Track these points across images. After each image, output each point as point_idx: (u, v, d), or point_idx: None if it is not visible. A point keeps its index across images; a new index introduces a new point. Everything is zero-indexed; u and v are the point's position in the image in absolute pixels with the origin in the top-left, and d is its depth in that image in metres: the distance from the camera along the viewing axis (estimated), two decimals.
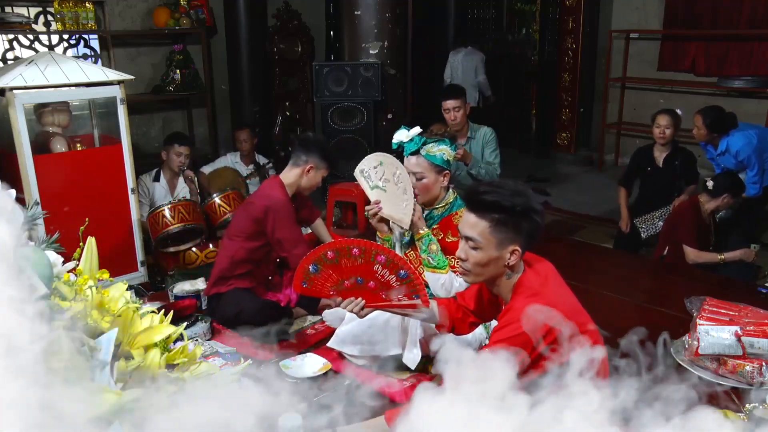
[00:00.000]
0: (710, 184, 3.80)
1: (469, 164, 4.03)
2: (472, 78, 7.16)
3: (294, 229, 2.93)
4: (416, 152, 2.55)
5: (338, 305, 2.20)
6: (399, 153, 2.67)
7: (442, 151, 2.56)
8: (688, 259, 3.80)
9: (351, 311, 2.15)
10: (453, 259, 2.53)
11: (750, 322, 2.55)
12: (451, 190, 2.64)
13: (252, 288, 2.99)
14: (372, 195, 2.66)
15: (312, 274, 2.21)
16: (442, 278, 2.53)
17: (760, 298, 3.30)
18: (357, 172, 2.67)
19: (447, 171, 2.59)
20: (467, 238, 1.72)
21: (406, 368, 2.61)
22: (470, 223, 1.71)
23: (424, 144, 2.55)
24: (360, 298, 2.13)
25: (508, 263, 1.71)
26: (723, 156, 4.39)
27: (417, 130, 2.57)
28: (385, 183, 2.61)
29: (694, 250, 3.78)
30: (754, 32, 6.12)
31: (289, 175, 3.01)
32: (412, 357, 2.39)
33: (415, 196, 2.56)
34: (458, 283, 2.49)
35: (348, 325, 2.55)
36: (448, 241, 2.59)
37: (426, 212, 2.61)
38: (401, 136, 2.58)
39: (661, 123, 4.32)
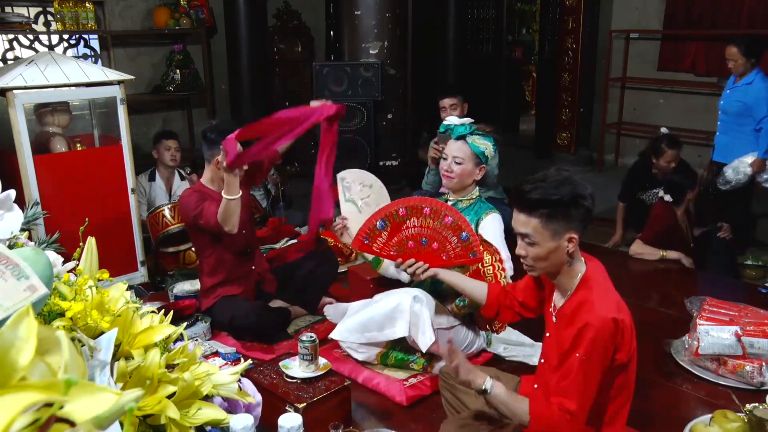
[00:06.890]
0: (667, 197, 3.90)
1: None
2: None
3: (200, 206, 2.80)
4: (463, 137, 2.61)
5: (398, 266, 2.24)
6: (443, 135, 2.73)
7: (485, 145, 2.62)
8: (630, 251, 3.98)
9: (414, 273, 2.21)
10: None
11: (750, 322, 2.55)
12: (477, 188, 2.69)
13: (239, 294, 2.99)
14: (344, 206, 2.70)
15: (378, 230, 2.22)
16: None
17: (760, 298, 3.30)
18: (339, 178, 2.72)
19: (483, 166, 2.64)
20: (522, 236, 1.76)
21: (408, 368, 2.62)
22: (521, 222, 1.75)
23: (472, 133, 2.62)
24: (422, 262, 2.20)
25: (568, 251, 1.76)
26: (741, 88, 4.10)
27: (470, 120, 2.68)
28: (365, 206, 2.65)
29: (638, 242, 3.96)
30: (754, 32, 6.10)
31: (206, 172, 2.97)
32: (425, 340, 2.38)
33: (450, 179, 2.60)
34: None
35: (352, 316, 2.57)
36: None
37: (452, 202, 2.63)
38: (453, 120, 2.68)
39: (669, 159, 4.02)
